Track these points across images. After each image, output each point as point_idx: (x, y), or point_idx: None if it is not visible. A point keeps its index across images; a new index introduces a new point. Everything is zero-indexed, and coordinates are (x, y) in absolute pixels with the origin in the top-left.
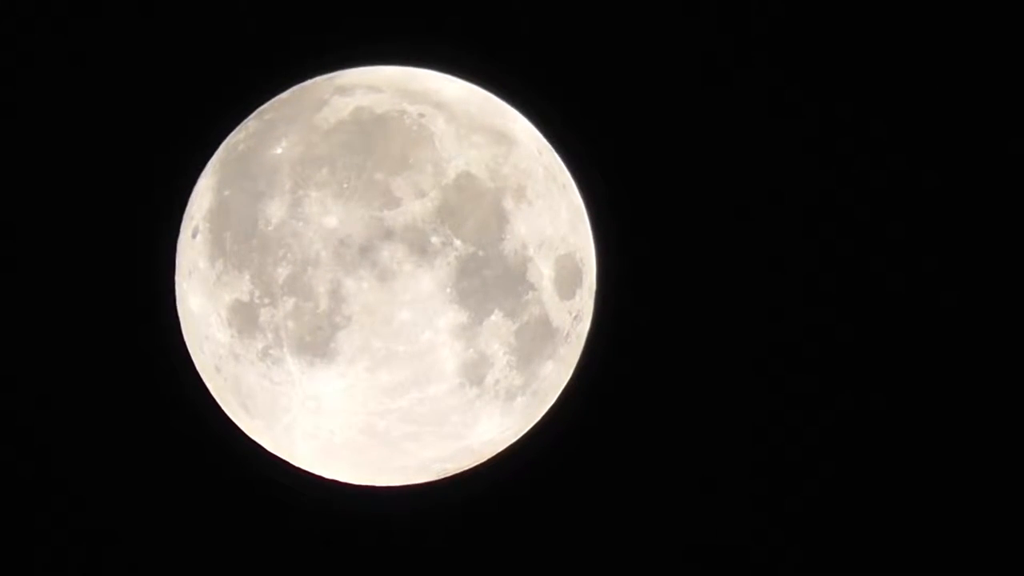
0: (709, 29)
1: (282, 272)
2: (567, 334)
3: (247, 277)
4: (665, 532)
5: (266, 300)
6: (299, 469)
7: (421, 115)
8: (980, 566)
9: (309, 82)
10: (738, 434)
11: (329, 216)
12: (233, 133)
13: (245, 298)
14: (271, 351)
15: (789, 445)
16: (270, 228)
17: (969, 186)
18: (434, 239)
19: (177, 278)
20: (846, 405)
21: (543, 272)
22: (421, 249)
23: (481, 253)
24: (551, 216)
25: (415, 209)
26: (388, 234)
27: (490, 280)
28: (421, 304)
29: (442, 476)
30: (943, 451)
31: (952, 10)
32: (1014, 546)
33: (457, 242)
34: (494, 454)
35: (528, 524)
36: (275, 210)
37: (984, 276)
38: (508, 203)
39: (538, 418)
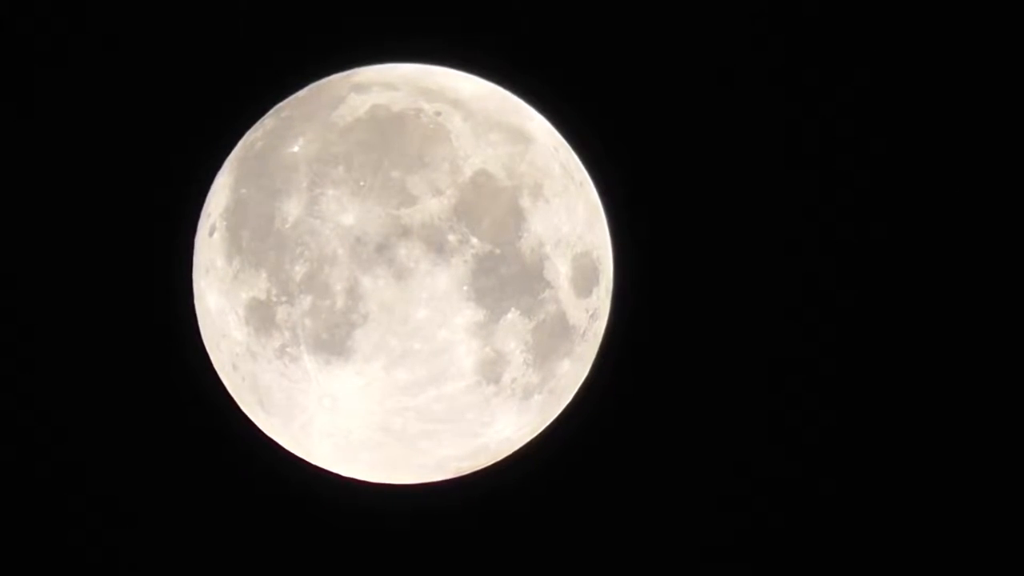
0: (726, 27)
1: (299, 270)
2: (584, 332)
3: (264, 275)
4: (681, 531)
5: (283, 298)
6: (316, 467)
7: (438, 113)
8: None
9: (326, 80)
10: (754, 433)
11: (346, 214)
12: (250, 131)
13: (262, 296)
14: (288, 349)
15: (805, 444)
16: (287, 226)
17: (990, 192)
18: (451, 237)
19: (194, 276)
20: (862, 401)
21: (560, 270)
22: (438, 247)
23: (498, 251)
24: (568, 214)
25: (432, 207)
26: (405, 232)
27: (507, 278)
28: (438, 302)
29: (459, 474)
30: (965, 453)
31: (963, 10)
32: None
33: (474, 240)
34: (511, 452)
35: (544, 522)
36: (292, 208)
37: (997, 279)
38: (525, 201)
39: (555, 416)
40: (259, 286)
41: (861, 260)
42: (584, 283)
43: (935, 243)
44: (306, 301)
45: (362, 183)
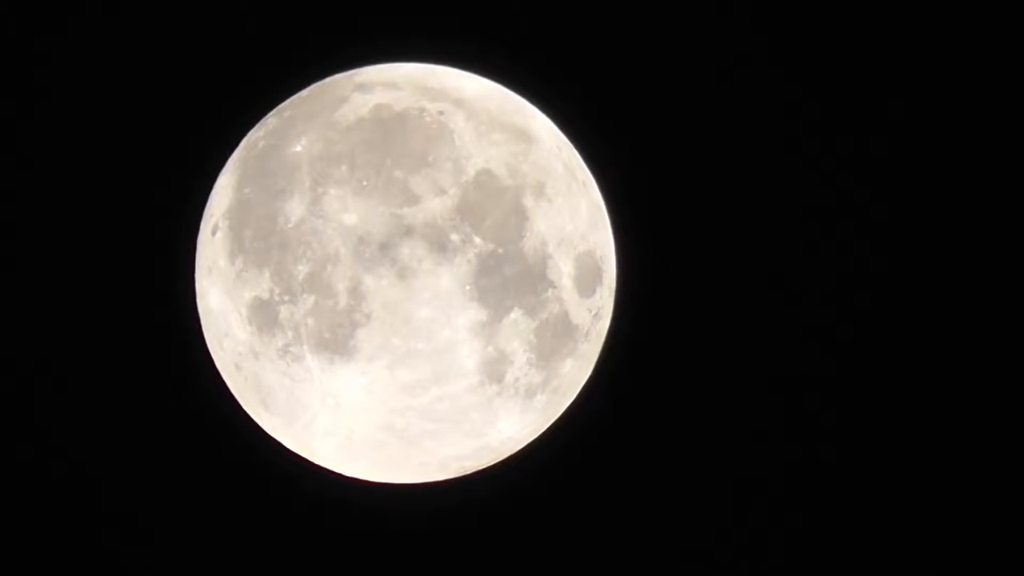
0: (728, 26)
1: (302, 269)
2: (587, 332)
3: (267, 274)
4: (684, 530)
5: (286, 297)
6: (319, 467)
7: (440, 112)
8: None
9: (329, 79)
10: (757, 432)
11: (348, 213)
12: (253, 130)
13: (265, 295)
14: (291, 348)
15: (807, 444)
16: (290, 225)
17: (997, 191)
18: (454, 236)
19: (197, 275)
20: (866, 402)
21: (563, 270)
22: (441, 246)
23: (501, 251)
24: (571, 213)
25: (435, 206)
26: (408, 232)
27: (510, 278)
28: (441, 302)
29: (461, 474)
30: (972, 451)
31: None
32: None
33: (477, 239)
34: (513, 452)
35: (547, 522)
36: (295, 207)
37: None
38: (528, 200)
39: (557, 416)
40: (262, 286)
41: (866, 260)
42: (587, 282)
43: (943, 242)
44: (309, 300)
45: (365, 182)
